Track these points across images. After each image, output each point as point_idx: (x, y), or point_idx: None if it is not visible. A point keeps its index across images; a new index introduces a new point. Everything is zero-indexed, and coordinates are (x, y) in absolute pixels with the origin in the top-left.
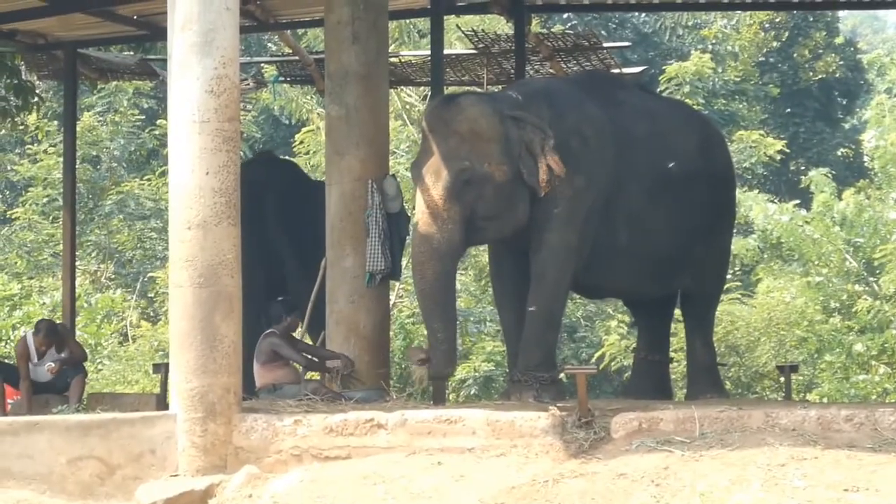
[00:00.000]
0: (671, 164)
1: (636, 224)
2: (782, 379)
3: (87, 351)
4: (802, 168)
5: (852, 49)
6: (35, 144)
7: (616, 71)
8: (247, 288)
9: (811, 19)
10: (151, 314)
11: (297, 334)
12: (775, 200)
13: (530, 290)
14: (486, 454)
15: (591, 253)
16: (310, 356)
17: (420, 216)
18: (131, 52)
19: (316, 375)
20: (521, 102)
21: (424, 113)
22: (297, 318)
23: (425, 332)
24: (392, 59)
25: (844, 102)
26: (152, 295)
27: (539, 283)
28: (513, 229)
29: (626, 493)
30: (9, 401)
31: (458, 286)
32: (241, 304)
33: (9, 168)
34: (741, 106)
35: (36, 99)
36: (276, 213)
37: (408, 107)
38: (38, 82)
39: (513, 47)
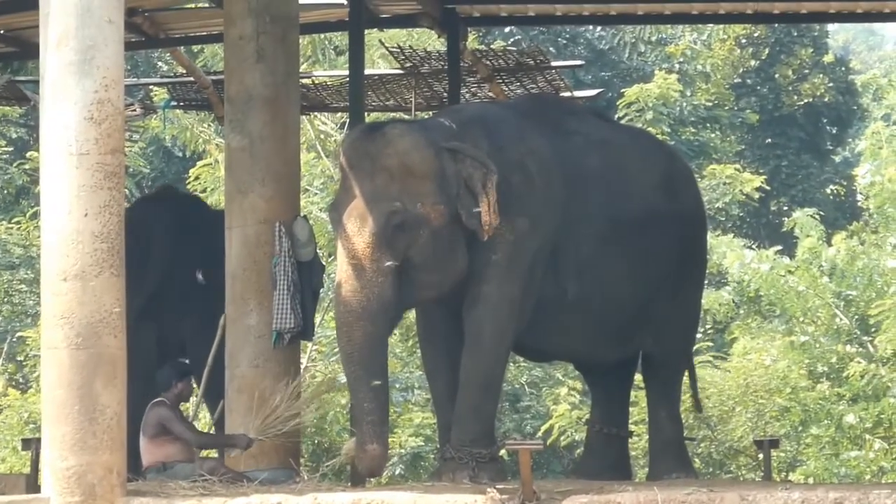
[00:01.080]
0: (629, 205)
1: (587, 274)
2: (761, 456)
3: None
4: (785, 208)
5: (844, 69)
6: None
7: (567, 94)
8: (134, 348)
9: (795, 34)
10: (21, 380)
11: (191, 402)
12: (753, 246)
13: (464, 352)
14: None
15: (534, 309)
16: (204, 436)
17: (343, 269)
18: None
19: (213, 452)
20: (455, 132)
21: (343, 145)
22: (189, 386)
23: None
24: (304, 81)
25: (834, 131)
26: (21, 358)
27: (475, 344)
28: (452, 282)
29: None
30: None
31: None
32: (126, 368)
33: None
34: (714, 135)
35: None
36: (171, 260)
37: (322, 136)
38: None
39: (446, 66)
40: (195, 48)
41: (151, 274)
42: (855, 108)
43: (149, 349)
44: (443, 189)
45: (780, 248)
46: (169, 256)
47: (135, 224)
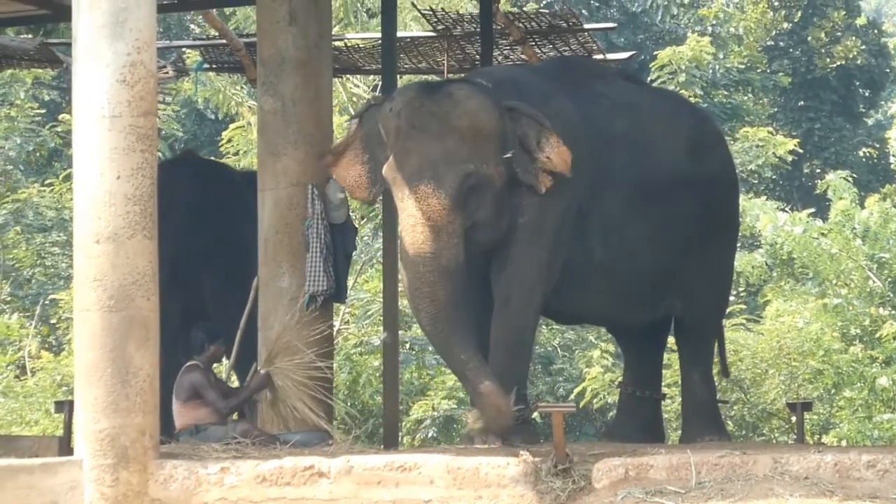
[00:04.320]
0: (655, 168)
1: (613, 237)
2: (794, 418)
3: None
4: (818, 171)
5: (876, 31)
6: None
7: (599, 57)
8: (161, 312)
9: None
10: (53, 343)
11: (224, 367)
12: (786, 209)
13: (494, 315)
14: None
15: (561, 271)
16: (232, 399)
17: (417, 230)
18: (30, 35)
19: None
20: (493, 92)
21: (396, 105)
22: (221, 347)
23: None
24: (336, 44)
25: (867, 94)
26: (54, 321)
27: (504, 306)
28: (497, 240)
29: None
30: None
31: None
32: (158, 330)
33: None
34: (746, 98)
35: None
36: (195, 223)
37: (354, 99)
38: None
39: (478, 29)
40: (227, 11)
41: (172, 240)
42: (888, 70)
43: (174, 314)
44: (503, 149)
45: (812, 210)
46: (188, 222)
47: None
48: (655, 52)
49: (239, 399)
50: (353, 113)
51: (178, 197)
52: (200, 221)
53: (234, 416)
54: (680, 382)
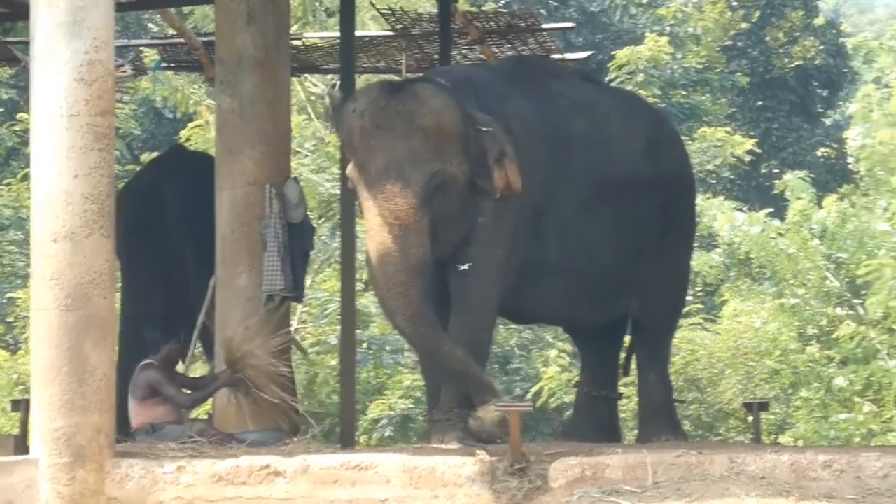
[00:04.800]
0: (612, 168)
1: (570, 238)
2: (750, 418)
3: None
4: (776, 171)
5: (835, 31)
6: None
7: (558, 56)
8: (145, 312)
9: None
10: (10, 342)
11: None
12: (744, 209)
13: (452, 315)
14: None
15: (518, 272)
16: (194, 393)
17: (381, 230)
18: None
19: (202, 414)
20: (453, 92)
21: (360, 105)
22: (176, 347)
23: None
24: (294, 43)
25: (825, 94)
26: (11, 319)
27: (462, 306)
28: (459, 241)
29: None
30: None
31: (370, 310)
32: (116, 329)
33: None
34: (704, 98)
35: None
36: (182, 221)
37: (313, 98)
38: None
39: (437, 28)
40: (186, 9)
41: (170, 239)
42: (846, 70)
43: (160, 312)
44: (466, 150)
45: (770, 210)
46: (184, 219)
47: (148, 189)
48: (614, 52)
49: (201, 394)
50: (310, 112)
51: (170, 192)
52: (191, 217)
53: (192, 415)
54: (637, 382)
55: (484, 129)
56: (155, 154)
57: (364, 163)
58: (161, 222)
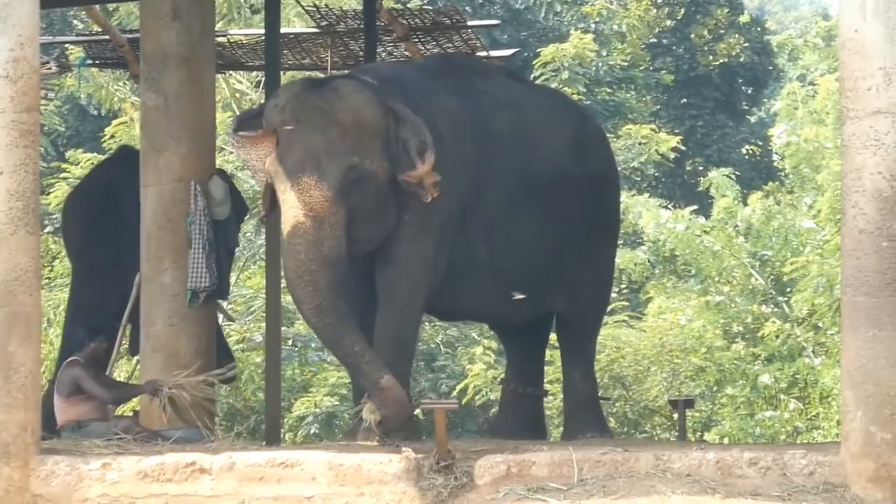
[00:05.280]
0: (538, 165)
1: (497, 235)
2: (676, 416)
3: None
4: (701, 168)
5: (759, 29)
6: None
7: (483, 54)
8: (97, 312)
9: None
10: None
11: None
12: (669, 206)
13: (378, 312)
14: None
15: (445, 269)
16: (116, 391)
17: (298, 221)
18: None
19: (128, 411)
20: (379, 89)
21: (280, 100)
22: (101, 344)
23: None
24: (219, 39)
25: (750, 92)
26: None
27: (388, 304)
28: (380, 238)
29: None
30: None
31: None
32: (41, 326)
33: None
34: (629, 95)
35: None
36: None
37: (238, 95)
38: None
39: (362, 25)
40: (110, 6)
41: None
42: (770, 68)
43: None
44: (387, 147)
45: (695, 207)
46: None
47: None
48: (539, 49)
49: (123, 393)
50: (235, 109)
51: (126, 192)
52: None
53: (117, 412)
54: (562, 379)
55: (408, 121)
56: (79, 151)
57: (282, 156)
58: (116, 221)
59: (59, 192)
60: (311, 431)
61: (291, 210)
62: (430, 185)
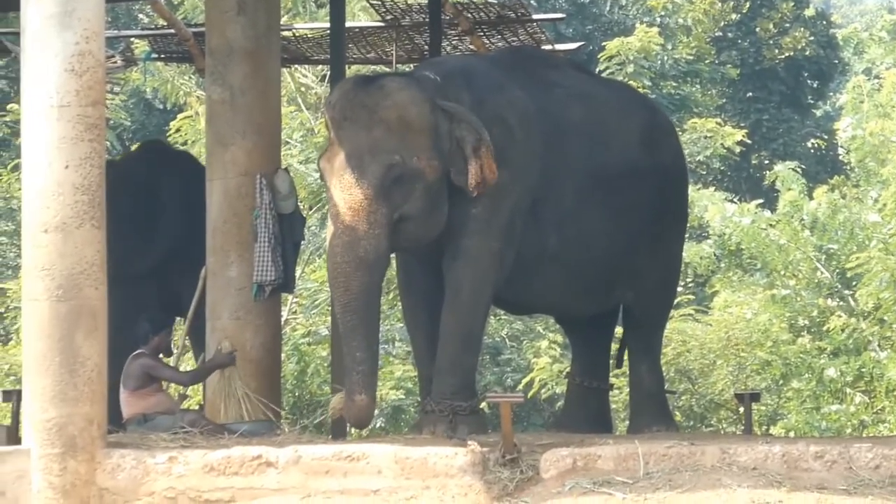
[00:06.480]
0: (609, 158)
1: (567, 228)
2: (741, 409)
3: None
4: (766, 162)
5: (825, 23)
6: None
7: (548, 47)
8: (135, 304)
9: None
10: (2, 332)
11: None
12: (734, 200)
13: (445, 305)
14: (394, 497)
15: (515, 262)
16: (192, 371)
17: (339, 220)
18: None
19: (194, 404)
20: (440, 84)
21: (332, 97)
22: (165, 338)
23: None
24: (284, 33)
25: (815, 85)
26: (2, 310)
27: (455, 298)
28: (432, 235)
29: None
30: None
31: None
32: (107, 320)
33: None
34: (694, 89)
35: None
36: (170, 215)
37: (303, 89)
38: None
39: (427, 19)
40: (176, 0)
41: (164, 232)
42: (836, 61)
43: (150, 304)
44: (437, 145)
45: (761, 201)
46: (168, 212)
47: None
48: (604, 43)
49: (198, 373)
50: (300, 103)
51: (158, 186)
52: (178, 212)
53: (183, 406)
54: (628, 373)
55: (464, 119)
56: None
57: (330, 153)
58: (148, 217)
59: None
60: (378, 425)
61: (333, 208)
62: (487, 181)
